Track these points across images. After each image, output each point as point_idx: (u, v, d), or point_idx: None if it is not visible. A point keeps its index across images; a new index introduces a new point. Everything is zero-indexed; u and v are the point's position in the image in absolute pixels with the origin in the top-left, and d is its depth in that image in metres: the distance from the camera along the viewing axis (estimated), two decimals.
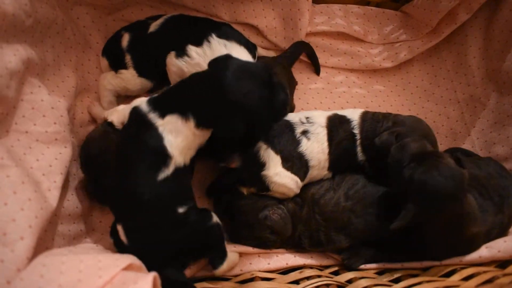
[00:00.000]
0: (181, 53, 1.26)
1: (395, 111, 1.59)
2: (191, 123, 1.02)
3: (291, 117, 1.27)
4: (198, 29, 1.29)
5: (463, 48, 1.61)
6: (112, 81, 1.35)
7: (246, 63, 1.06)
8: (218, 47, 1.23)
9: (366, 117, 1.26)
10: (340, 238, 1.18)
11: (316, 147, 1.22)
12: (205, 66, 1.10)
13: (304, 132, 1.23)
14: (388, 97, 1.63)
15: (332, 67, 1.62)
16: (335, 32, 1.61)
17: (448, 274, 1.09)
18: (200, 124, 1.02)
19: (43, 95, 1.09)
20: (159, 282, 0.77)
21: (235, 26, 1.52)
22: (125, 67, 1.34)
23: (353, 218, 1.18)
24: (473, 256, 1.11)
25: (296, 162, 1.21)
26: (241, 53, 1.23)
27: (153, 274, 0.75)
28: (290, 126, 1.24)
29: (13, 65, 0.97)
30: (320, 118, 1.26)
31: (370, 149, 1.22)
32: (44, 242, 0.94)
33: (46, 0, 1.17)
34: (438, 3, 1.50)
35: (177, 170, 1.03)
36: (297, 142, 1.22)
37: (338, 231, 1.18)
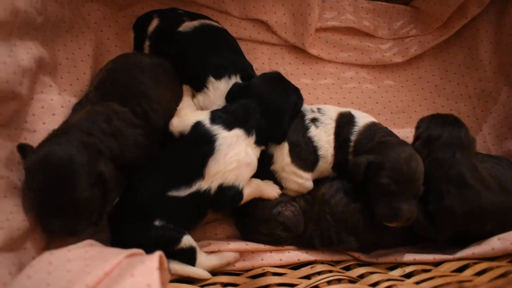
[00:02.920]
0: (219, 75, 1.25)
1: (405, 107, 1.60)
2: (252, 140, 1.12)
3: (303, 107, 1.29)
4: (228, 56, 1.28)
5: (474, 43, 1.60)
6: None
7: (269, 74, 1.25)
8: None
9: (368, 128, 1.24)
10: (350, 239, 1.19)
11: (324, 136, 1.23)
12: (214, 102, 1.24)
13: (313, 120, 1.25)
14: (399, 93, 1.63)
15: (342, 63, 1.62)
16: (345, 28, 1.62)
17: (461, 269, 1.08)
18: (258, 140, 1.13)
19: (53, 95, 1.10)
20: (165, 260, 0.78)
21: (244, 22, 1.55)
22: (142, 50, 1.34)
23: (361, 220, 1.18)
24: (485, 248, 1.10)
25: (304, 148, 1.22)
26: None
27: (159, 253, 0.76)
28: (300, 114, 1.27)
29: (25, 63, 0.98)
30: (331, 112, 1.27)
31: None
32: (34, 249, 0.94)
33: None
34: None
35: (195, 195, 1.07)
36: (306, 128, 1.24)
37: (348, 232, 1.18)
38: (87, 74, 1.26)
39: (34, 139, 1.03)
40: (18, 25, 0.98)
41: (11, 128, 0.98)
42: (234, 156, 1.07)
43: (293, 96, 1.22)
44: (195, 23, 1.30)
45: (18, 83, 0.95)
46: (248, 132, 1.11)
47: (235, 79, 1.24)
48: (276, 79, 1.23)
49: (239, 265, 1.17)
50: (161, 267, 0.74)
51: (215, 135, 1.08)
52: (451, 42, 1.65)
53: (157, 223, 1.05)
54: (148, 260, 0.73)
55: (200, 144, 1.09)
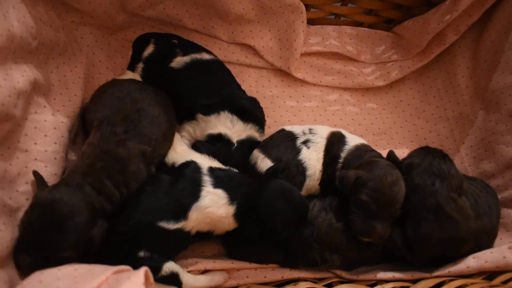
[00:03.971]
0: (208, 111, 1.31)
1: (387, 128, 1.65)
2: (231, 209, 1.09)
3: (294, 129, 1.33)
4: (216, 94, 1.32)
5: (452, 68, 1.66)
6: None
7: (292, 190, 1.14)
8: (224, 121, 1.29)
9: (358, 148, 1.27)
10: (334, 257, 1.21)
11: (314, 155, 1.27)
12: (206, 130, 1.29)
13: (305, 142, 1.28)
14: (381, 115, 1.67)
15: (326, 86, 1.66)
16: (329, 52, 1.67)
17: (438, 286, 1.12)
18: (237, 216, 1.10)
19: (46, 116, 1.13)
20: (150, 275, 0.80)
21: (233, 47, 1.59)
22: (133, 70, 1.38)
23: (344, 239, 1.20)
24: (461, 266, 1.14)
25: (293, 170, 1.25)
26: (244, 131, 1.32)
27: (145, 268, 0.79)
28: (291, 137, 1.30)
29: (21, 85, 1.01)
30: (323, 130, 1.32)
31: None
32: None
33: (51, 23, 1.22)
34: (427, 25, 1.55)
35: (179, 231, 1.08)
36: (297, 151, 1.27)
37: (332, 251, 1.21)
38: (78, 96, 1.29)
39: (26, 158, 1.05)
40: (14, 50, 1.02)
41: (4, 147, 1.00)
42: (213, 214, 1.09)
43: (308, 230, 1.13)
44: (186, 59, 1.34)
45: (13, 105, 0.98)
46: (231, 200, 1.10)
47: (224, 114, 1.29)
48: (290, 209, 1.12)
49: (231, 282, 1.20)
50: (147, 282, 0.77)
51: (203, 184, 1.09)
52: (430, 67, 1.71)
53: (141, 254, 1.05)
54: (134, 276, 0.76)
55: (189, 185, 1.10)
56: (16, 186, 1.01)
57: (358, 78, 1.67)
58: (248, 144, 1.32)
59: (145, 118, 1.14)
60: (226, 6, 1.46)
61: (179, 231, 1.07)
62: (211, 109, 1.30)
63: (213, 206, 1.08)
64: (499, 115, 1.48)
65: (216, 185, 1.10)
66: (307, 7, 1.59)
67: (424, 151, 1.28)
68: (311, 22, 1.68)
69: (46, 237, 0.92)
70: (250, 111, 1.34)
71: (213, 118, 1.30)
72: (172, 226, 1.06)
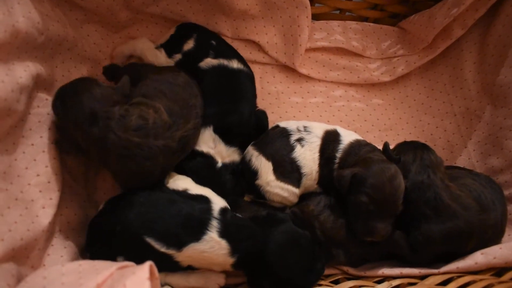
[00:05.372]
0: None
1: (393, 124, 1.64)
2: (231, 260, 1.05)
3: (289, 125, 1.31)
4: (218, 104, 1.30)
5: (459, 63, 1.64)
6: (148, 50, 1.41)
7: (299, 238, 1.11)
8: (208, 138, 1.27)
9: (352, 146, 1.25)
10: (339, 253, 1.21)
11: (308, 155, 1.26)
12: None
13: (299, 140, 1.27)
14: (386, 111, 1.66)
15: (331, 82, 1.66)
16: (334, 48, 1.66)
17: (445, 283, 1.11)
18: (236, 266, 1.06)
19: (49, 109, 1.12)
20: (155, 270, 0.80)
21: (237, 42, 1.58)
22: (170, 56, 1.38)
23: (349, 234, 1.20)
24: (469, 262, 1.13)
25: (287, 167, 1.24)
26: (227, 154, 1.29)
27: (150, 262, 0.78)
28: (286, 133, 1.29)
29: (23, 80, 1.01)
30: (318, 129, 1.30)
31: None
32: (34, 259, 0.97)
33: (58, 19, 1.22)
34: (433, 19, 1.54)
35: (167, 256, 1.04)
36: (291, 148, 1.26)
37: (337, 246, 1.21)
38: None
39: (33, 152, 1.05)
40: (17, 45, 1.01)
41: (8, 143, 1.00)
42: (209, 259, 1.04)
43: (320, 265, 1.12)
44: (214, 62, 1.34)
45: (16, 100, 0.98)
46: (232, 252, 1.05)
47: (209, 130, 1.27)
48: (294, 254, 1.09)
49: (231, 279, 1.19)
50: (152, 277, 0.76)
51: (209, 229, 1.04)
52: (436, 62, 1.69)
53: (120, 260, 1.01)
54: (139, 270, 0.75)
55: (194, 223, 1.05)
56: (26, 179, 1.01)
57: (363, 73, 1.65)
58: (231, 169, 1.29)
59: (193, 123, 1.17)
60: (230, 1, 1.45)
61: (168, 256, 1.03)
62: (204, 120, 1.26)
63: (212, 253, 1.03)
64: (507, 110, 1.46)
65: (222, 234, 1.04)
66: (312, 2, 1.58)
67: (411, 146, 1.29)
68: (315, 17, 1.67)
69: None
70: (236, 133, 1.30)
71: (201, 131, 1.26)
72: (160, 248, 1.02)
